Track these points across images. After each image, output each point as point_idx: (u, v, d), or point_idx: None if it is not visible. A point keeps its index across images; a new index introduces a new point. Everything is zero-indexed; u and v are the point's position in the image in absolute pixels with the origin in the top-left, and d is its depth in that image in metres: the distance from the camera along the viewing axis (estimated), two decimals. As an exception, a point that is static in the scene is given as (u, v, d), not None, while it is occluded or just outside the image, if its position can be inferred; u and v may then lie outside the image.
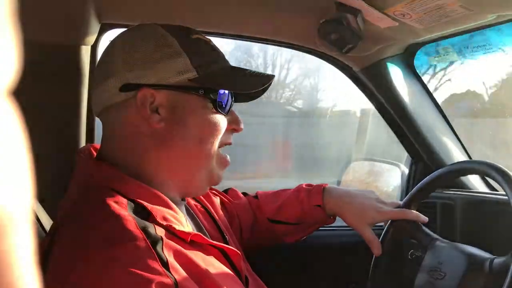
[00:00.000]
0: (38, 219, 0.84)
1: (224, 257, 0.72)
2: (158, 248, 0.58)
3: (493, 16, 0.88)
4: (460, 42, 1.20)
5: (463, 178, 1.37)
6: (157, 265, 0.56)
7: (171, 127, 0.71)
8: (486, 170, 0.94)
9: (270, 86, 0.81)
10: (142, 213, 0.64)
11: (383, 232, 1.05)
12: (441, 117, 1.40)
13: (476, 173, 1.07)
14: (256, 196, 1.15)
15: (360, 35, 1.10)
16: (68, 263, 0.57)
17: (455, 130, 1.42)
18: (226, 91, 0.77)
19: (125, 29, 0.79)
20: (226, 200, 1.10)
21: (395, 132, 1.48)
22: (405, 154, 1.59)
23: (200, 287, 0.60)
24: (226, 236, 0.91)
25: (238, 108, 0.83)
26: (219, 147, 0.77)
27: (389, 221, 1.05)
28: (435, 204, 1.31)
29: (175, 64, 0.71)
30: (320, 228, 1.14)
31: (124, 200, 0.64)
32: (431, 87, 1.38)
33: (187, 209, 0.85)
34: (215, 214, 0.95)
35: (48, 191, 0.79)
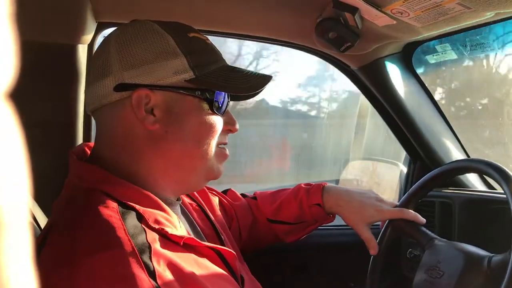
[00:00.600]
0: (34, 218, 0.84)
1: (219, 258, 0.72)
2: (146, 256, 0.57)
3: (491, 14, 0.88)
4: (459, 40, 1.20)
5: (461, 177, 1.37)
6: (142, 274, 0.55)
7: (166, 129, 0.70)
8: (483, 168, 0.94)
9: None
10: (134, 216, 0.62)
11: (381, 231, 1.05)
12: (439, 115, 1.40)
13: (473, 172, 1.07)
14: (254, 197, 1.15)
15: (358, 33, 1.10)
16: (53, 270, 0.56)
17: (453, 129, 1.43)
18: (223, 92, 0.75)
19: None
20: (225, 201, 1.10)
21: (393, 131, 1.48)
22: (403, 153, 1.59)
23: None
24: (222, 236, 0.90)
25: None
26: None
27: (387, 221, 1.05)
28: (434, 202, 1.31)
29: (171, 64, 0.69)
30: (319, 227, 1.14)
31: (115, 204, 0.63)
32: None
33: (181, 209, 0.84)
34: (210, 213, 0.95)
35: (45, 190, 0.79)
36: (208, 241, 0.83)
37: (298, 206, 1.08)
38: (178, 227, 0.69)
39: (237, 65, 0.81)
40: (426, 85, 1.38)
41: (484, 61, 1.65)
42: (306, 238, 1.14)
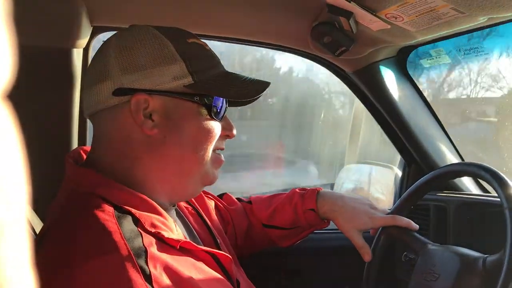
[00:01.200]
0: (29, 223, 0.83)
1: (215, 261, 0.72)
2: (142, 260, 0.57)
3: (484, 19, 0.88)
4: (452, 45, 1.21)
5: (456, 181, 1.38)
6: (139, 278, 0.55)
7: (164, 134, 0.70)
8: (476, 172, 0.94)
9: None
10: (130, 220, 0.62)
11: (375, 238, 1.06)
12: (434, 119, 1.41)
13: (467, 175, 1.07)
14: (249, 201, 1.15)
15: (353, 38, 1.10)
16: (49, 275, 0.55)
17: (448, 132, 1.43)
18: (221, 98, 0.75)
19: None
20: (221, 205, 1.10)
21: (388, 135, 1.48)
22: (398, 157, 1.60)
23: None
24: (218, 239, 0.90)
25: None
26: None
27: (381, 228, 1.05)
28: (429, 206, 1.31)
29: (170, 70, 0.69)
30: (314, 232, 1.14)
31: (111, 208, 0.63)
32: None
33: (177, 212, 0.84)
34: (206, 217, 0.95)
35: (41, 194, 0.79)
36: (205, 245, 0.83)
37: (292, 211, 1.08)
38: (175, 231, 0.69)
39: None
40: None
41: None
42: (301, 242, 1.15)
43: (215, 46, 0.88)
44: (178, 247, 0.64)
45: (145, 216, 0.64)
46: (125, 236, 0.59)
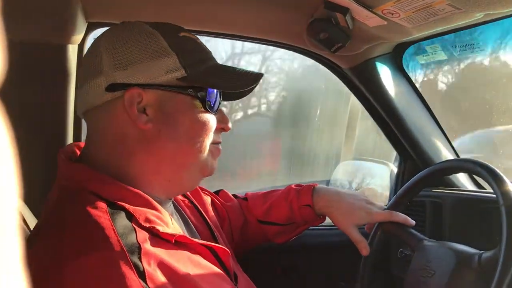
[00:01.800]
0: (23, 219, 0.83)
1: (212, 255, 0.72)
2: (135, 256, 0.57)
3: (481, 15, 0.89)
4: (448, 41, 1.21)
5: (451, 177, 1.38)
6: (132, 275, 0.55)
7: (159, 128, 0.70)
8: (472, 168, 0.94)
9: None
10: (123, 216, 0.62)
11: (371, 234, 1.06)
12: (429, 115, 1.41)
13: (463, 171, 1.07)
14: (245, 198, 1.15)
15: (349, 34, 1.10)
16: (42, 271, 0.55)
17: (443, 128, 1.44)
18: (215, 90, 0.75)
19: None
20: (217, 201, 1.10)
21: (384, 131, 1.48)
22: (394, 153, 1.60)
23: None
24: (215, 233, 0.90)
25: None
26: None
27: (377, 223, 1.06)
28: (424, 202, 1.31)
29: (163, 63, 0.69)
30: (310, 228, 1.14)
31: (104, 204, 0.62)
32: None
33: (174, 206, 0.83)
34: (203, 210, 0.95)
35: (34, 191, 0.78)
36: (202, 239, 0.83)
37: (288, 207, 1.08)
38: (170, 225, 0.68)
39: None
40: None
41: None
42: (297, 238, 1.14)
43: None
44: (173, 241, 0.64)
45: (139, 211, 0.64)
46: (118, 232, 0.58)
